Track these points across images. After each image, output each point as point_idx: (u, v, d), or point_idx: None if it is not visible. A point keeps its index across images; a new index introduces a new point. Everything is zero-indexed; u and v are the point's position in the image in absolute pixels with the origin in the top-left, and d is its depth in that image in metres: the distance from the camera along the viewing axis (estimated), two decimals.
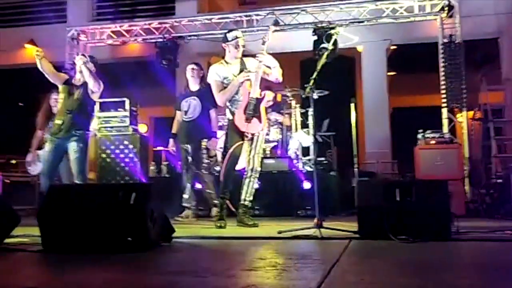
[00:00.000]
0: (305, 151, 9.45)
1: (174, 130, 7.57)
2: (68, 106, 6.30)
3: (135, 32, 10.95)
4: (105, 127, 9.14)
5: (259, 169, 6.15)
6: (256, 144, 6.07)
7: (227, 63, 6.11)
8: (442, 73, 9.28)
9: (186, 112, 7.40)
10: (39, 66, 6.27)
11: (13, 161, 10.65)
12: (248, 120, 5.99)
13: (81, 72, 6.35)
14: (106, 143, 9.10)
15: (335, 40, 9.75)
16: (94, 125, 9.23)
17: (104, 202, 4.01)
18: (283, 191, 8.25)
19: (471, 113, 13.37)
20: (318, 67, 5.35)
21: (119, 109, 9.29)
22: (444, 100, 9.17)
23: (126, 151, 9.01)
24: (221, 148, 8.09)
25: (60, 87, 6.42)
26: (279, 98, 9.60)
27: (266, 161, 8.63)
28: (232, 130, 6.06)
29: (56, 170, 6.45)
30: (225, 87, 6.04)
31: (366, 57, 12.49)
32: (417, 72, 15.00)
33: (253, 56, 6.10)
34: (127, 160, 8.98)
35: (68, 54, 10.98)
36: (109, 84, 12.59)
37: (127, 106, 9.15)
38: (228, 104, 6.10)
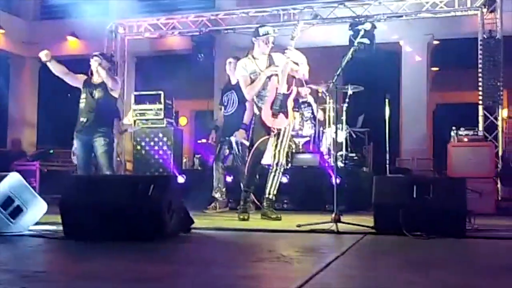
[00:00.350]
0: (338, 146, 9.43)
1: (218, 123, 7.75)
2: (90, 105, 6.51)
3: (172, 26, 11.12)
4: (140, 119, 9.35)
5: (285, 164, 6.22)
6: (282, 139, 6.13)
7: (254, 58, 6.16)
8: (480, 70, 9.12)
9: (225, 107, 7.52)
10: (52, 70, 6.47)
11: (51, 151, 11.01)
12: (274, 115, 6.05)
13: (97, 72, 6.52)
14: (141, 135, 9.32)
15: (372, 35, 9.71)
16: (129, 117, 9.49)
17: (123, 193, 4.15)
18: (313, 186, 8.28)
19: None
20: (343, 63, 5.36)
21: (156, 102, 9.48)
22: (480, 97, 9.02)
23: (160, 143, 9.21)
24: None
25: (81, 87, 6.59)
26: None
27: (297, 156, 8.69)
28: (259, 125, 6.13)
29: (89, 163, 6.69)
30: (252, 82, 6.10)
31: (406, 52, 12.35)
32: (462, 68, 14.74)
33: (281, 52, 6.15)
34: (161, 152, 9.19)
35: (107, 48, 11.25)
36: (149, 78, 12.93)
37: (162, 99, 9.34)
38: (255, 99, 6.17)
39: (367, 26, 7.51)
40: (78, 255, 3.42)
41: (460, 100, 15.93)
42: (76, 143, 6.61)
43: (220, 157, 7.50)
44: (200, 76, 12.34)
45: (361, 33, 6.29)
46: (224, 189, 7.55)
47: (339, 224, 4.71)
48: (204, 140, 10.45)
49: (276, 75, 6.07)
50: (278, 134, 6.12)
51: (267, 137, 6.09)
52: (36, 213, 4.47)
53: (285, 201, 8.20)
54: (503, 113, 12.71)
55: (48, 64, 6.40)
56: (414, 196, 4.53)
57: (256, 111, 6.20)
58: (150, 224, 4.03)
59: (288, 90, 6.13)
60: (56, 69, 6.50)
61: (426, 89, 12.18)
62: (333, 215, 4.83)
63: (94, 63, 6.50)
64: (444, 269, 2.94)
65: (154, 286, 2.34)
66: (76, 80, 6.59)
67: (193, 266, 2.94)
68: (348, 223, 4.78)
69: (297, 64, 6.08)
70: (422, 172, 10.91)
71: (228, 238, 4.42)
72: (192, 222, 4.52)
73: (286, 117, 6.10)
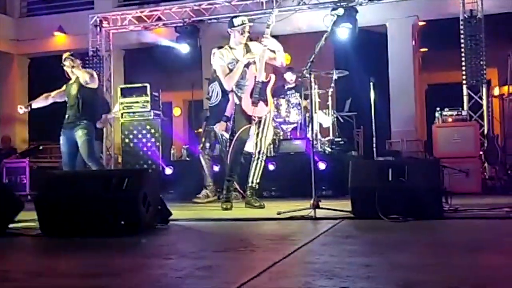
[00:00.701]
0: (325, 131, 9.47)
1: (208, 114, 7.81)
2: (70, 102, 6.80)
3: (157, 17, 11.11)
4: (127, 112, 9.37)
5: (267, 151, 6.26)
6: (264, 127, 6.16)
7: (231, 48, 6.19)
8: (462, 49, 9.13)
9: (210, 98, 7.57)
10: (39, 106, 7.03)
11: (41, 148, 11.05)
12: (254, 103, 6.07)
13: (73, 73, 6.78)
14: (129, 128, 9.34)
15: (354, 19, 9.72)
16: (115, 110, 9.51)
17: (98, 188, 4.17)
18: (300, 172, 8.29)
19: (505, 88, 13.14)
20: (317, 49, 5.36)
21: (142, 95, 9.48)
22: (464, 77, 9.04)
23: (148, 135, 9.25)
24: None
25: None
26: None
27: (284, 142, 8.73)
28: (240, 114, 6.16)
29: (74, 160, 6.83)
30: (230, 71, 6.11)
31: (392, 35, 12.29)
32: (452, 48, 14.71)
33: (258, 40, 6.17)
34: (149, 144, 9.22)
35: (91, 41, 11.25)
36: (139, 70, 12.92)
37: (148, 91, 9.34)
38: (234, 88, 6.19)
39: (340, 11, 7.49)
40: (49, 252, 3.46)
41: (452, 80, 15.89)
42: (61, 140, 6.76)
43: (205, 147, 7.56)
44: (189, 66, 12.32)
45: (334, 18, 6.26)
46: (210, 178, 7.58)
47: (319, 210, 4.74)
48: (200, 130, 10.48)
49: (254, 63, 6.09)
50: (259, 122, 6.14)
51: (248, 126, 6.12)
52: (12, 212, 4.49)
53: (273, 188, 8.26)
54: (495, 91, 12.77)
55: (32, 107, 7.02)
56: (390, 179, 4.56)
57: (236, 100, 6.22)
58: (125, 217, 4.05)
59: (266, 78, 6.15)
60: (40, 104, 7.05)
61: (413, 70, 12.15)
62: (312, 201, 4.87)
63: (67, 68, 6.74)
64: (408, 251, 2.97)
65: (110, 281, 2.37)
66: (61, 93, 6.93)
67: (155, 259, 2.97)
68: (327, 209, 4.81)
69: (273, 52, 6.09)
70: (411, 153, 10.92)
71: (205, 229, 4.45)
72: (170, 214, 4.55)
73: (266, 105, 6.13)
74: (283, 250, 2.98)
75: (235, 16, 6.39)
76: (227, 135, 6.85)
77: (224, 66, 6.15)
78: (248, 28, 6.16)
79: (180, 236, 4.12)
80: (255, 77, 6.09)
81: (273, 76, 6.24)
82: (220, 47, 7.48)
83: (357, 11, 9.83)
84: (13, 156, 10.96)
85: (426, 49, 15.18)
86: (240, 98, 6.15)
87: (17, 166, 10.05)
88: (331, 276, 2.30)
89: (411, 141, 11.54)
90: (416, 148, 11.63)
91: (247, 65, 6.12)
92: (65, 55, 6.77)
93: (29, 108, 7.01)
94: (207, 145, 7.56)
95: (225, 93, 7.21)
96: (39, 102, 7.07)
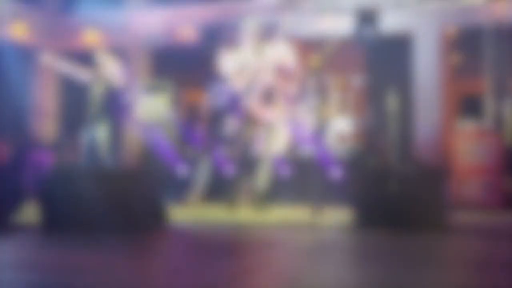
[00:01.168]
0: (345, 138, 9.33)
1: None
2: (94, 100, 6.91)
3: (183, 18, 11.16)
4: (148, 111, 9.40)
5: (281, 157, 6.25)
6: (272, 131, 6.13)
7: (242, 51, 6.18)
8: (488, 59, 8.91)
9: (216, 98, 7.48)
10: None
11: (65, 142, 11.21)
12: (264, 106, 6.05)
13: (103, 65, 7.02)
14: (148, 126, 9.37)
15: (376, 25, 9.57)
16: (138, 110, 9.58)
17: (97, 186, 4.18)
18: (311, 179, 8.20)
19: None
20: (324, 55, 5.30)
21: (163, 93, 9.53)
22: (489, 88, 8.82)
23: (165, 135, 9.25)
24: None
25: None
26: None
27: (299, 147, 8.64)
28: (249, 116, 6.13)
29: (95, 153, 6.91)
30: (241, 73, 6.10)
31: (418, 43, 12.08)
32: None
33: (270, 43, 6.15)
34: (166, 144, 9.22)
35: (120, 39, 11.35)
36: (167, 69, 12.96)
37: (169, 91, 9.36)
38: (244, 91, 6.16)
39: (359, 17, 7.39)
40: (33, 244, 3.50)
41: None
42: (85, 136, 6.90)
43: (210, 150, 7.38)
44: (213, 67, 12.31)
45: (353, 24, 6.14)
46: (200, 184, 7.34)
47: (320, 217, 4.70)
48: None
49: (265, 66, 6.06)
50: (268, 125, 6.11)
51: (257, 128, 6.09)
52: (14, 203, 4.56)
53: (285, 194, 8.17)
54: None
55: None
56: (393, 188, 4.44)
57: (246, 102, 6.19)
58: (122, 216, 4.04)
59: (276, 82, 6.13)
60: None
61: (439, 78, 11.89)
62: (313, 208, 4.83)
63: (100, 58, 6.98)
64: (382, 263, 2.88)
65: (71, 278, 2.36)
66: (85, 72, 7.10)
67: (131, 259, 2.99)
68: (329, 217, 4.74)
69: (284, 55, 6.05)
70: (434, 164, 10.69)
71: (197, 231, 4.41)
72: (169, 215, 4.53)
73: (276, 108, 6.09)
74: (256, 256, 2.95)
75: (246, 20, 6.39)
76: (233, 136, 6.82)
77: (234, 68, 6.13)
78: (259, 31, 6.15)
79: (169, 237, 4.10)
80: (265, 80, 6.06)
81: (283, 81, 6.20)
82: (233, 49, 7.47)
83: (379, 17, 9.66)
84: (37, 149, 11.12)
85: (459, 58, 14.87)
86: (249, 100, 6.12)
87: (41, 160, 10.21)
88: (287, 283, 2.26)
89: (435, 151, 11.32)
90: (440, 158, 11.40)
91: (257, 69, 6.09)
92: (99, 48, 6.98)
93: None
94: (213, 148, 7.38)
95: (235, 93, 7.11)
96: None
